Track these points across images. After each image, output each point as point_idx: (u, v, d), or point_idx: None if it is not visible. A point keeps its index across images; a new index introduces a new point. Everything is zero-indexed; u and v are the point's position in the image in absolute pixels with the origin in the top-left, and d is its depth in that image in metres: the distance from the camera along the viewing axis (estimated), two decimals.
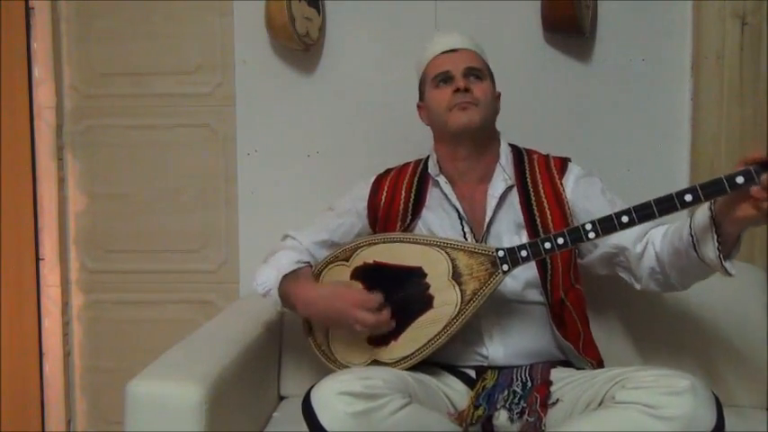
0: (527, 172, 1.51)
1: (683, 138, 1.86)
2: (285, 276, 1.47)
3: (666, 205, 1.20)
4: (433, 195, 1.53)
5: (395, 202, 1.55)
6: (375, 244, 1.45)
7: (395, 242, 1.44)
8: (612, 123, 1.87)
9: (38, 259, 2.02)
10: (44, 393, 2.04)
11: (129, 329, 2.02)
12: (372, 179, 1.61)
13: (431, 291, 1.37)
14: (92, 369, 2.06)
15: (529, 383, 1.32)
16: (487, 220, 1.46)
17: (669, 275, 1.36)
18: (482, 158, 1.51)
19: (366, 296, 1.37)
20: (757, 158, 1.13)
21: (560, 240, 1.29)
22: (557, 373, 1.36)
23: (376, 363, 1.38)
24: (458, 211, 1.49)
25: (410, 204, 1.53)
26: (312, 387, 1.21)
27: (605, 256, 1.44)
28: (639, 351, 1.67)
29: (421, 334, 1.35)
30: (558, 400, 1.28)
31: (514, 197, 1.48)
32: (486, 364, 1.42)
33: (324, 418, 1.14)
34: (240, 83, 1.96)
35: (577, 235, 1.28)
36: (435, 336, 1.34)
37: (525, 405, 1.28)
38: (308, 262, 1.52)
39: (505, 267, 1.33)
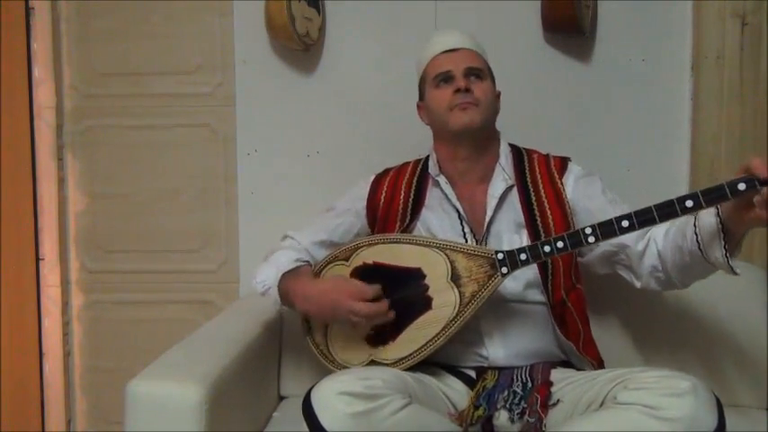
0: (527, 172, 1.51)
1: (683, 138, 1.86)
2: (284, 274, 1.47)
3: (667, 211, 1.20)
4: (432, 195, 1.53)
5: (394, 201, 1.55)
6: (375, 244, 1.45)
7: (395, 243, 1.44)
8: (612, 123, 1.87)
9: (38, 259, 2.02)
10: (44, 393, 2.04)
11: (129, 329, 2.02)
12: (371, 179, 1.61)
13: (430, 292, 1.37)
14: (92, 369, 2.06)
15: (529, 384, 1.32)
16: (488, 219, 1.46)
17: (671, 274, 1.36)
18: (482, 158, 1.51)
19: (363, 287, 1.36)
20: (759, 174, 1.13)
21: (560, 244, 1.28)
22: (557, 374, 1.36)
23: (374, 363, 1.38)
24: (458, 211, 1.49)
25: (409, 204, 1.53)
26: (312, 387, 1.21)
27: (606, 254, 1.44)
28: (640, 351, 1.67)
29: (419, 335, 1.35)
30: (558, 400, 1.28)
31: (514, 197, 1.48)
32: (486, 365, 1.41)
33: (324, 418, 1.14)
34: (240, 83, 1.96)
35: (577, 239, 1.27)
36: (434, 337, 1.34)
37: (526, 405, 1.28)
38: (308, 261, 1.52)
39: (504, 270, 1.33)
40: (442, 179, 1.52)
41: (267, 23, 1.83)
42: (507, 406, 1.29)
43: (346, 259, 1.46)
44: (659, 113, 1.87)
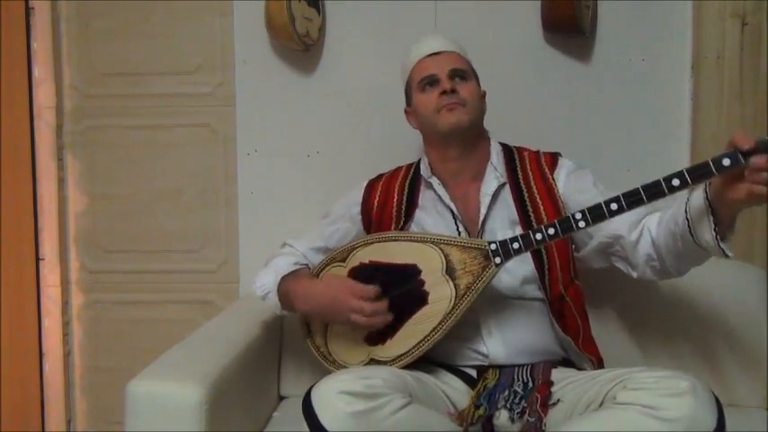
0: (518, 169, 1.52)
1: (682, 138, 1.86)
2: (283, 277, 1.50)
3: (654, 191, 1.20)
4: (426, 197, 1.55)
5: (387, 204, 1.56)
6: (370, 243, 1.47)
7: (389, 241, 1.45)
8: (612, 123, 1.87)
9: (38, 259, 2.02)
10: (44, 393, 2.04)
11: (129, 329, 2.02)
12: (365, 184, 1.63)
13: (426, 287, 1.38)
14: (92, 369, 2.06)
15: (530, 383, 1.33)
16: (482, 218, 1.47)
17: (665, 261, 1.35)
18: (472, 158, 1.52)
19: (362, 287, 1.38)
20: (742, 146, 1.12)
21: (551, 231, 1.29)
22: (558, 374, 1.36)
23: (374, 361, 1.39)
24: (452, 211, 1.49)
25: (403, 206, 1.54)
26: (312, 387, 1.21)
27: (601, 246, 1.44)
28: (639, 351, 1.67)
29: (417, 330, 1.36)
30: (558, 400, 1.28)
31: (507, 194, 1.49)
32: (486, 363, 1.42)
33: (324, 417, 1.14)
34: (240, 83, 1.96)
35: (568, 224, 1.28)
36: (431, 331, 1.35)
37: (526, 405, 1.28)
38: (306, 264, 1.56)
39: (498, 260, 1.34)
40: (434, 180, 1.53)
41: (267, 23, 1.83)
42: (507, 405, 1.29)
43: (343, 260, 1.48)
44: (659, 113, 1.87)
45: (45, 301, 2.02)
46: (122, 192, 2.01)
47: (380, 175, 1.64)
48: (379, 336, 1.40)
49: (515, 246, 1.32)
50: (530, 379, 1.34)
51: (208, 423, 1.27)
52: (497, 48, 1.87)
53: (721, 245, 1.19)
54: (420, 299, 1.37)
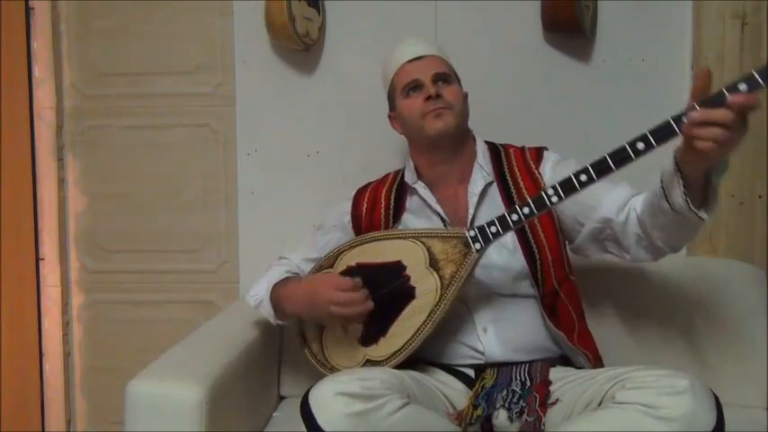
0: (505, 166, 1.53)
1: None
2: (275, 285, 1.52)
3: (621, 156, 1.21)
4: (412, 202, 1.55)
5: (375, 210, 1.57)
6: (355, 246, 1.49)
7: (372, 241, 1.47)
8: (612, 123, 1.87)
9: (38, 259, 2.02)
10: (44, 393, 2.04)
11: (129, 329, 2.02)
12: (353, 194, 1.64)
13: (412, 282, 1.39)
14: (92, 369, 2.06)
15: (528, 383, 1.33)
16: (470, 218, 1.48)
17: (652, 236, 1.33)
18: (459, 159, 1.53)
19: (341, 279, 1.40)
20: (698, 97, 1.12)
21: (526, 210, 1.30)
22: (556, 373, 1.36)
23: (369, 362, 1.40)
24: (439, 214, 1.50)
25: (390, 211, 1.56)
26: (310, 388, 1.21)
27: (593, 232, 1.44)
28: (638, 351, 1.67)
29: (408, 325, 1.37)
30: (557, 399, 1.28)
31: (495, 192, 1.50)
32: (483, 362, 1.42)
33: (322, 418, 1.14)
34: (240, 83, 1.96)
35: (542, 201, 1.29)
36: (421, 325, 1.36)
37: (524, 404, 1.28)
38: (297, 274, 1.58)
39: (478, 246, 1.35)
40: (419, 185, 1.54)
41: (267, 23, 1.83)
42: (506, 405, 1.29)
43: (331, 266, 1.50)
44: (659, 113, 1.85)
45: (45, 301, 2.03)
46: (122, 192, 2.01)
47: (368, 184, 1.65)
48: (372, 336, 1.41)
49: (493, 229, 1.33)
50: (528, 378, 1.34)
51: (208, 423, 1.27)
52: (497, 47, 1.87)
53: (692, 206, 1.18)
54: (408, 294, 1.38)
